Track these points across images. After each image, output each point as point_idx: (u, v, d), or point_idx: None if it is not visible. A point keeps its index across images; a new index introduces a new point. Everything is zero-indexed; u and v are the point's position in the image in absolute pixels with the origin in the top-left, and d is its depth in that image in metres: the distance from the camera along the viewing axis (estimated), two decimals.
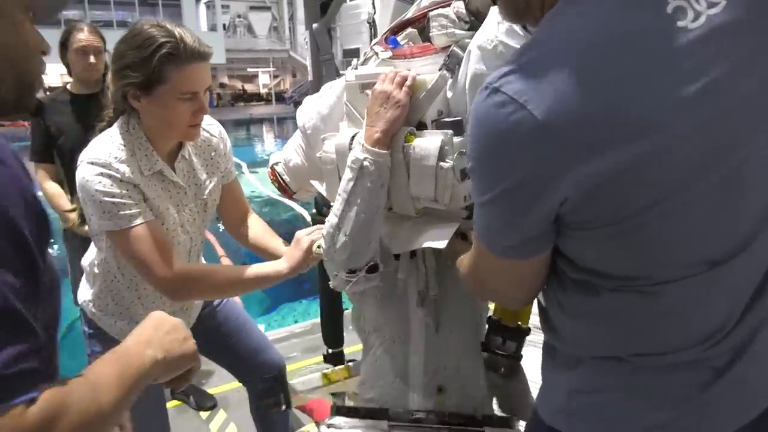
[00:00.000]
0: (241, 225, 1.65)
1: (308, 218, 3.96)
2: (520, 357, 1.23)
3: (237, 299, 1.86)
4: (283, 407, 1.36)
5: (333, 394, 1.39)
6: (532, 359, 1.27)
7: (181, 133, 1.37)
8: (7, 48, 0.65)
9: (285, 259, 1.39)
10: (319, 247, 1.29)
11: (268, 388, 1.34)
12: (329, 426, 1.28)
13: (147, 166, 1.34)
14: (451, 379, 1.24)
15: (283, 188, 1.42)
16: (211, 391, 2.93)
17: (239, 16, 30.20)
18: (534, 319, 1.29)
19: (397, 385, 1.26)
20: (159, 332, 0.81)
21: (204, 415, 2.78)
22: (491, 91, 0.67)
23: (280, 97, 31.56)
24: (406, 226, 1.15)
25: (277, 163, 1.42)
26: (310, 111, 1.31)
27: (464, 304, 1.24)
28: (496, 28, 0.98)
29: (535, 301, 0.90)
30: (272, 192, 9.28)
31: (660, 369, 0.76)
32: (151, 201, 1.35)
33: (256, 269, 1.41)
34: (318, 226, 1.38)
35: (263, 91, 32.53)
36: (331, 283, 1.24)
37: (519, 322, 1.25)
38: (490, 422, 1.22)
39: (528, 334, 1.20)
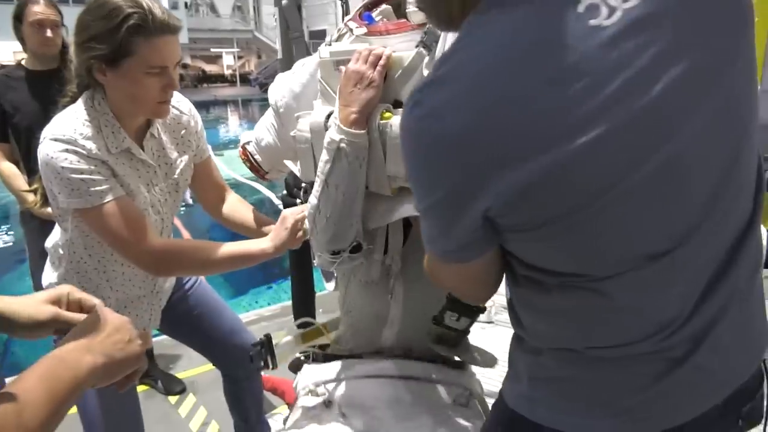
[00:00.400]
0: (220, 204, 1.62)
1: (276, 201, 3.89)
2: (468, 332, 1.25)
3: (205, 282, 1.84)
4: (271, 367, 1.39)
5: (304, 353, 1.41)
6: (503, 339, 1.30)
7: (150, 110, 1.32)
8: None
9: (270, 238, 1.37)
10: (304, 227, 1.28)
11: (257, 352, 1.37)
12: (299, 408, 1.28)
13: (114, 143, 1.30)
14: (418, 343, 1.27)
15: (255, 168, 1.39)
16: (179, 375, 2.90)
17: None
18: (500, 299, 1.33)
19: (364, 331, 1.29)
20: (100, 335, 0.76)
21: (173, 399, 2.75)
22: (414, 103, 0.67)
23: (244, 79, 30.98)
24: (383, 203, 1.14)
25: (248, 143, 1.39)
26: (282, 89, 1.28)
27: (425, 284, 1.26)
28: None
29: None
30: (238, 174, 9.15)
31: (615, 360, 0.76)
32: (121, 178, 1.31)
33: (241, 246, 1.38)
34: (306, 205, 1.36)
35: (227, 72, 31.83)
36: (315, 262, 1.23)
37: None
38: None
39: (483, 312, 1.22)
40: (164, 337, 3.13)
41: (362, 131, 1.05)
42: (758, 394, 0.83)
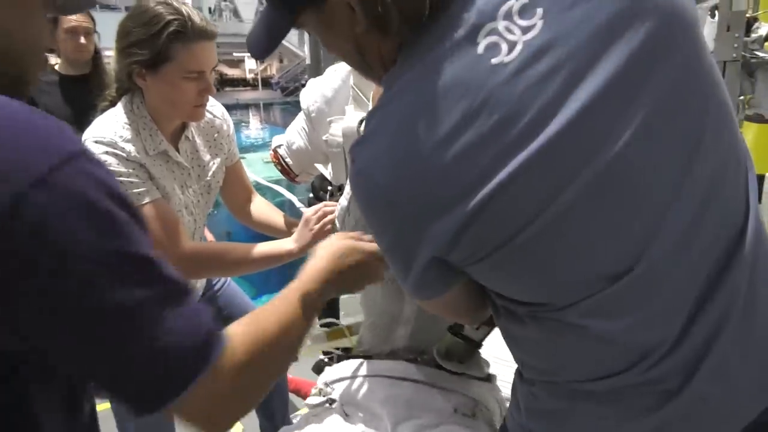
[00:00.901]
0: (247, 206, 1.65)
1: (297, 204, 3.94)
2: (480, 345, 1.23)
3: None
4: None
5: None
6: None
7: (186, 113, 1.36)
8: (14, 40, 0.59)
9: (294, 239, 1.40)
10: (334, 225, 1.30)
11: None
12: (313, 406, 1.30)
13: (151, 146, 1.33)
14: (430, 346, 1.27)
15: (286, 171, 1.42)
16: None
17: (225, 0, 29.79)
18: None
19: (379, 332, 1.30)
20: (333, 258, 0.86)
21: None
22: (351, 159, 0.70)
23: (266, 83, 31.28)
24: None
25: (279, 146, 1.41)
26: (314, 94, 1.30)
27: None
28: None
29: None
30: (260, 177, 9.21)
31: (604, 393, 0.72)
32: (157, 180, 1.34)
33: (268, 247, 1.41)
34: (324, 203, 1.38)
35: (249, 76, 32.19)
36: None
37: None
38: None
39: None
40: None
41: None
42: None
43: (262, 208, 1.67)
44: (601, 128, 0.61)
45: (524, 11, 0.61)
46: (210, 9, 27.91)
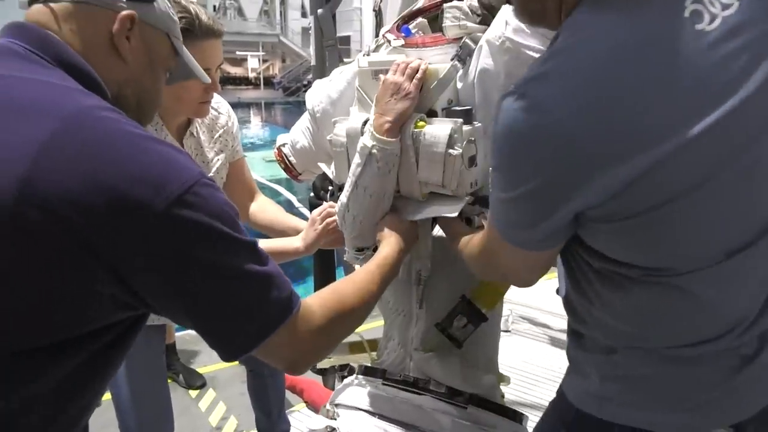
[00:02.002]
0: (249, 204, 1.67)
1: (296, 203, 3.95)
2: (461, 346, 1.26)
3: None
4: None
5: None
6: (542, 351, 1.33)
7: (192, 110, 1.38)
8: (147, 93, 0.89)
9: (300, 238, 1.44)
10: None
11: None
12: (333, 406, 1.32)
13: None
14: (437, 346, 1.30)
15: (289, 169, 1.45)
16: (200, 370, 2.97)
17: None
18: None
19: (399, 352, 1.32)
20: (402, 239, 1.13)
21: (193, 393, 2.82)
22: (518, 95, 0.69)
23: (268, 82, 31.29)
24: (412, 203, 1.19)
25: (283, 145, 1.45)
26: (319, 95, 1.34)
27: (449, 286, 1.29)
28: (504, 26, 1.02)
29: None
30: (260, 176, 9.25)
31: (690, 359, 0.79)
32: None
33: (276, 243, 1.45)
34: (329, 203, 1.42)
35: (252, 75, 32.21)
36: (345, 257, 1.30)
37: (486, 309, 1.26)
38: (475, 402, 1.26)
39: (486, 321, 1.24)
40: (186, 332, 3.21)
41: (394, 139, 1.10)
42: None
43: (265, 207, 1.68)
44: (761, 121, 0.69)
45: None
46: (215, 7, 27.95)
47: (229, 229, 0.72)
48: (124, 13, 0.80)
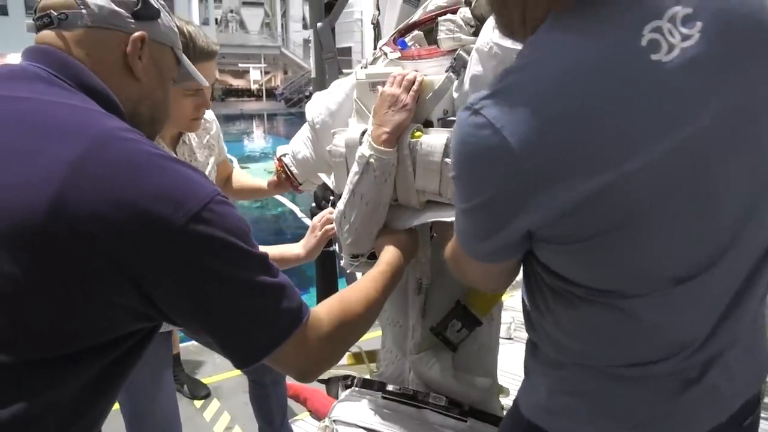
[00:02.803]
0: (228, 183, 1.82)
1: (299, 213, 3.98)
2: (455, 350, 1.27)
3: None
4: None
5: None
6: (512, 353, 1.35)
7: (184, 125, 1.47)
8: (158, 108, 0.94)
9: (301, 245, 1.50)
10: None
11: None
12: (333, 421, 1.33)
13: None
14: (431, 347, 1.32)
15: (290, 180, 1.48)
16: (204, 380, 2.98)
17: (232, 11, 30.08)
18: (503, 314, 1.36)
19: (398, 364, 1.34)
20: (401, 248, 1.16)
21: (198, 403, 2.83)
22: (472, 112, 0.70)
23: (270, 94, 31.46)
24: (412, 211, 1.22)
25: (284, 155, 1.48)
26: (319, 106, 1.37)
27: (448, 292, 1.31)
28: (491, 32, 1.05)
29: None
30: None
31: (636, 378, 0.80)
32: None
33: (277, 250, 1.51)
34: (328, 210, 1.46)
35: (254, 87, 32.40)
36: (342, 263, 1.33)
37: (480, 314, 1.28)
38: (474, 415, 1.27)
39: (480, 326, 1.26)
40: (190, 342, 3.23)
41: (391, 149, 1.12)
42: (757, 410, 0.89)
43: (239, 176, 1.83)
44: (716, 148, 0.69)
45: (686, 20, 0.66)
46: (216, 20, 28.20)
47: (243, 244, 0.76)
48: (136, 34, 0.84)
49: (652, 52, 0.66)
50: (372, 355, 1.57)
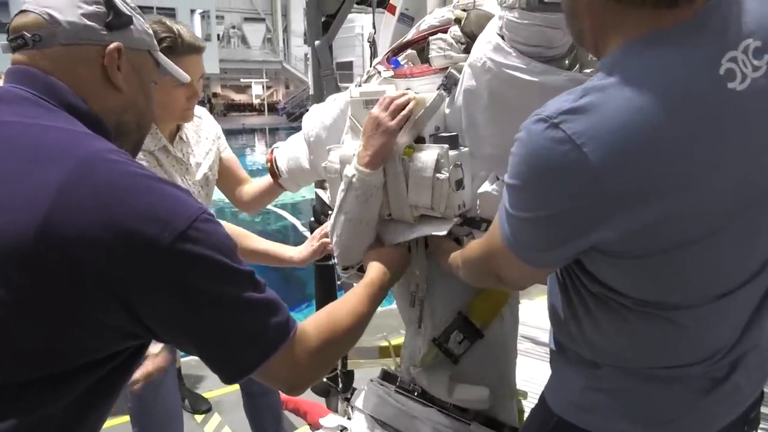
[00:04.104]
0: (241, 193, 1.83)
1: (300, 228, 4.00)
2: (457, 362, 1.29)
3: None
4: (339, 367, 1.71)
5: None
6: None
7: (178, 116, 1.55)
8: (144, 116, 0.95)
9: (298, 250, 1.62)
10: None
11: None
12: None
13: (152, 142, 1.53)
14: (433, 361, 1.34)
15: (274, 173, 1.55)
16: (205, 394, 2.99)
17: (233, 27, 30.33)
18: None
19: (408, 361, 1.39)
20: (386, 263, 1.18)
21: (199, 418, 2.83)
22: (550, 125, 0.70)
23: (272, 108, 31.63)
24: (405, 225, 1.24)
25: (277, 148, 1.55)
26: (314, 121, 1.40)
27: (450, 303, 1.33)
28: (485, 46, 1.08)
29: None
30: None
31: (666, 378, 0.85)
32: (165, 168, 1.55)
33: (272, 246, 1.62)
34: (327, 224, 1.51)
35: (256, 101, 32.59)
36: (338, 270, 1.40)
37: (480, 325, 1.30)
38: (480, 420, 1.29)
39: (482, 338, 1.28)
40: (192, 357, 3.23)
41: (372, 171, 1.15)
42: (760, 404, 0.97)
43: (252, 187, 1.84)
44: None
45: (757, 53, 0.70)
46: (219, 36, 28.44)
47: (229, 261, 0.77)
48: (111, 46, 0.84)
49: (728, 81, 0.69)
50: (398, 348, 1.60)
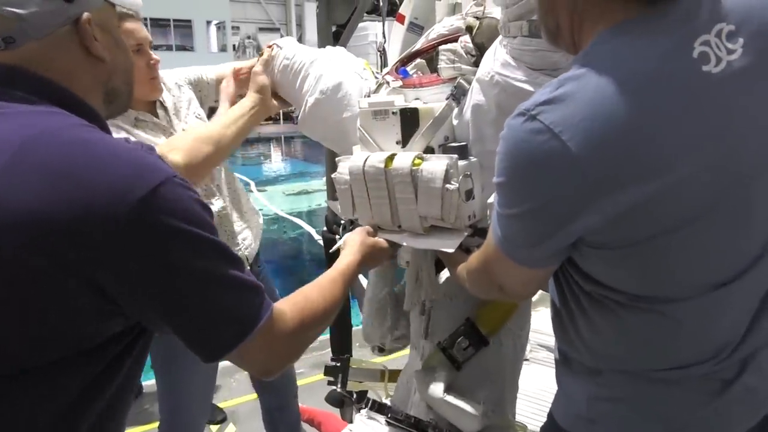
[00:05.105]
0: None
1: (315, 236, 4.00)
2: (460, 368, 1.28)
3: None
4: (339, 387, 1.62)
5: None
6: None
7: (147, 89, 1.60)
8: (129, 74, 0.91)
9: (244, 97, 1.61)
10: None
11: (332, 367, 1.60)
12: None
13: (122, 119, 1.56)
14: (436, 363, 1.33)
15: (267, 61, 1.58)
16: (220, 405, 2.99)
17: (249, 38, 30.64)
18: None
19: (406, 385, 1.37)
20: (359, 245, 1.19)
21: (214, 428, 2.84)
22: (528, 117, 0.71)
23: (287, 116, 31.82)
24: (415, 234, 1.23)
25: (281, 48, 1.58)
26: (333, 78, 1.43)
27: (456, 315, 1.32)
28: (492, 62, 1.07)
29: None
30: (279, 209, 9.37)
31: (674, 381, 0.83)
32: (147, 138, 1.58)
33: (232, 112, 1.54)
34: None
35: None
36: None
37: (487, 332, 1.29)
38: None
39: (487, 345, 1.27)
40: None
41: None
42: None
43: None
44: (759, 161, 0.73)
45: (730, 36, 0.72)
46: (234, 46, 28.74)
47: (198, 230, 0.72)
48: (83, 18, 0.80)
49: (702, 64, 0.70)
50: (395, 375, 1.59)
